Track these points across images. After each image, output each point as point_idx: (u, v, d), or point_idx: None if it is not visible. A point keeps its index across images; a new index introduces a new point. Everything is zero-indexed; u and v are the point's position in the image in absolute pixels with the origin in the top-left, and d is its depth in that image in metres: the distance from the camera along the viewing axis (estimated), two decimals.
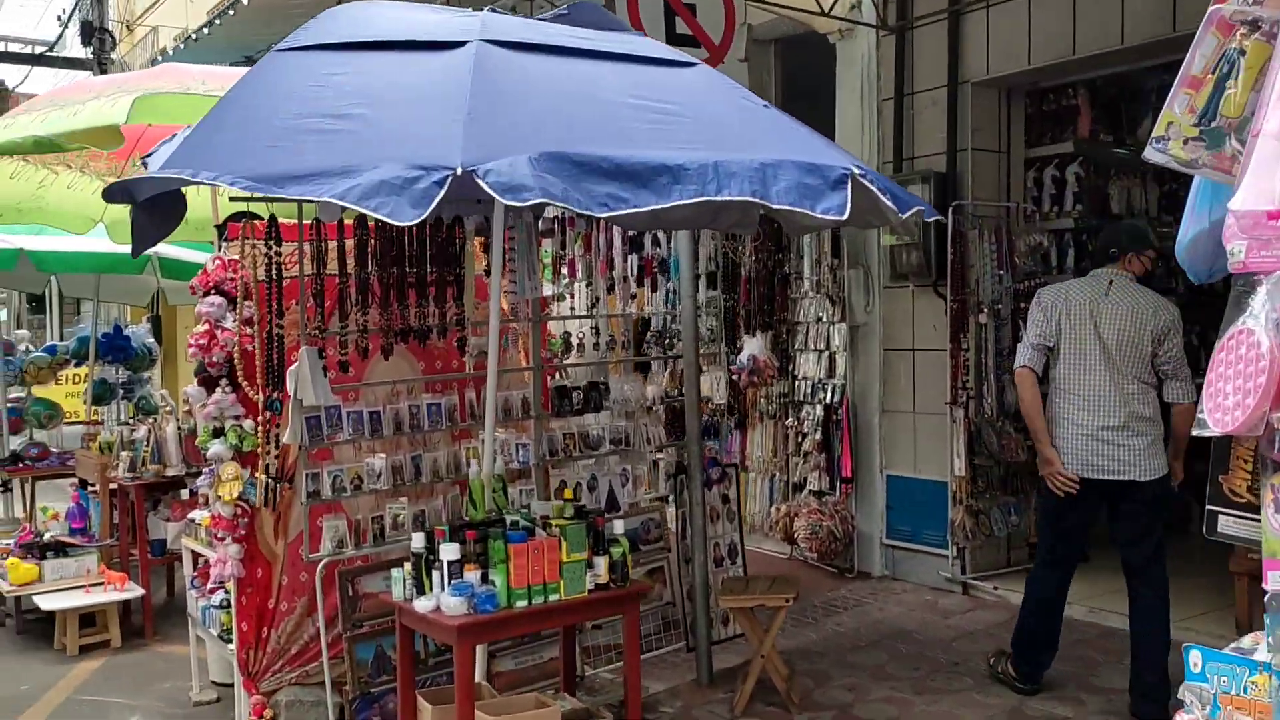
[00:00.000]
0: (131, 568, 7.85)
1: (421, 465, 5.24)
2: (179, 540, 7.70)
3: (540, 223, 5.60)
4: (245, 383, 5.21)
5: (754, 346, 6.31)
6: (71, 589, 7.41)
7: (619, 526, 4.08)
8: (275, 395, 4.84)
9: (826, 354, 8.05)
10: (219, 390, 5.29)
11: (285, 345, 4.90)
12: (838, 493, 7.90)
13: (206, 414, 5.31)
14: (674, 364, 6.21)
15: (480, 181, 2.96)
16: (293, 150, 3.14)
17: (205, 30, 10.46)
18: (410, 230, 5.12)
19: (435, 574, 3.82)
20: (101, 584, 7.48)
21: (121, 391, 10.72)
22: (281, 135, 3.20)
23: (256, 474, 5.40)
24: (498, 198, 2.98)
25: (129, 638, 7.38)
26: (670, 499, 6.13)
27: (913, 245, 7.28)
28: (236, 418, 5.38)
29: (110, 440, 8.10)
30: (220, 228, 5.48)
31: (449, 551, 3.77)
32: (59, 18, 18.90)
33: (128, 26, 17.48)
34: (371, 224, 5.02)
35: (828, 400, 7.95)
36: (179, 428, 7.80)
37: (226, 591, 5.69)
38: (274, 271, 4.79)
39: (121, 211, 7.61)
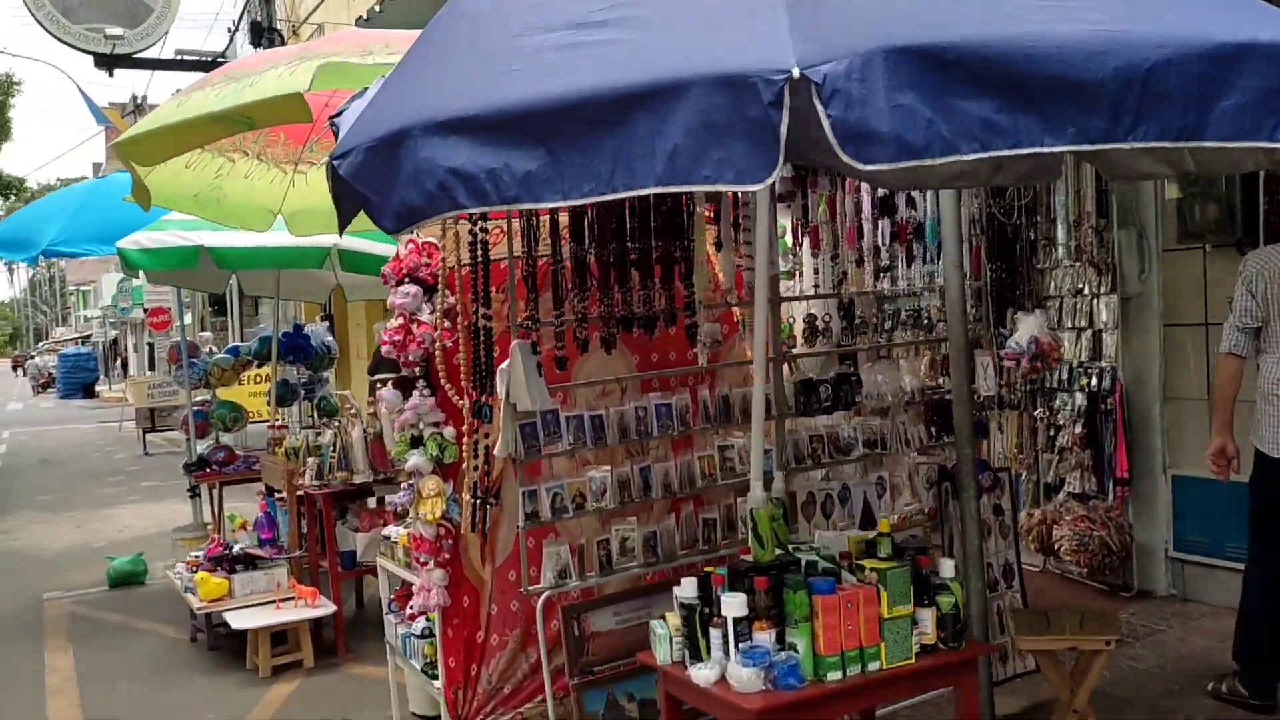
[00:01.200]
0: (321, 580, 7.36)
1: (651, 478, 4.41)
2: (369, 552, 7.18)
3: (778, 183, 4.67)
4: (447, 383, 4.48)
5: (1032, 325, 5.21)
6: (263, 604, 6.96)
7: (948, 568, 3.11)
8: (483, 399, 4.09)
9: (1089, 332, 6.84)
10: (416, 393, 4.59)
11: (493, 339, 4.13)
12: (1110, 496, 6.68)
13: (403, 421, 4.62)
14: (933, 351, 5.18)
15: (820, 109, 2.04)
16: (539, 74, 2.29)
17: (376, 8, 9.96)
18: (632, 198, 4.28)
19: (714, 632, 2.95)
20: (292, 599, 7.01)
21: (303, 392, 10.37)
22: (522, 55, 2.36)
23: (460, 491, 4.68)
24: (838, 148, 2.05)
25: (321, 656, 6.88)
26: (929, 511, 5.11)
27: (1208, 195, 6.01)
28: (436, 425, 4.67)
29: (296, 445, 7.63)
30: None
31: (733, 605, 2.89)
32: (229, 28, 19.15)
33: (293, 29, 17.45)
34: None
35: (1093, 386, 6.73)
36: (364, 432, 7.25)
37: (429, 620, 5.01)
38: (479, 253, 4.03)
39: (301, 201, 7.09)
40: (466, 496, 4.24)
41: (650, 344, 4.96)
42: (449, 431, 4.71)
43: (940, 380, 5.21)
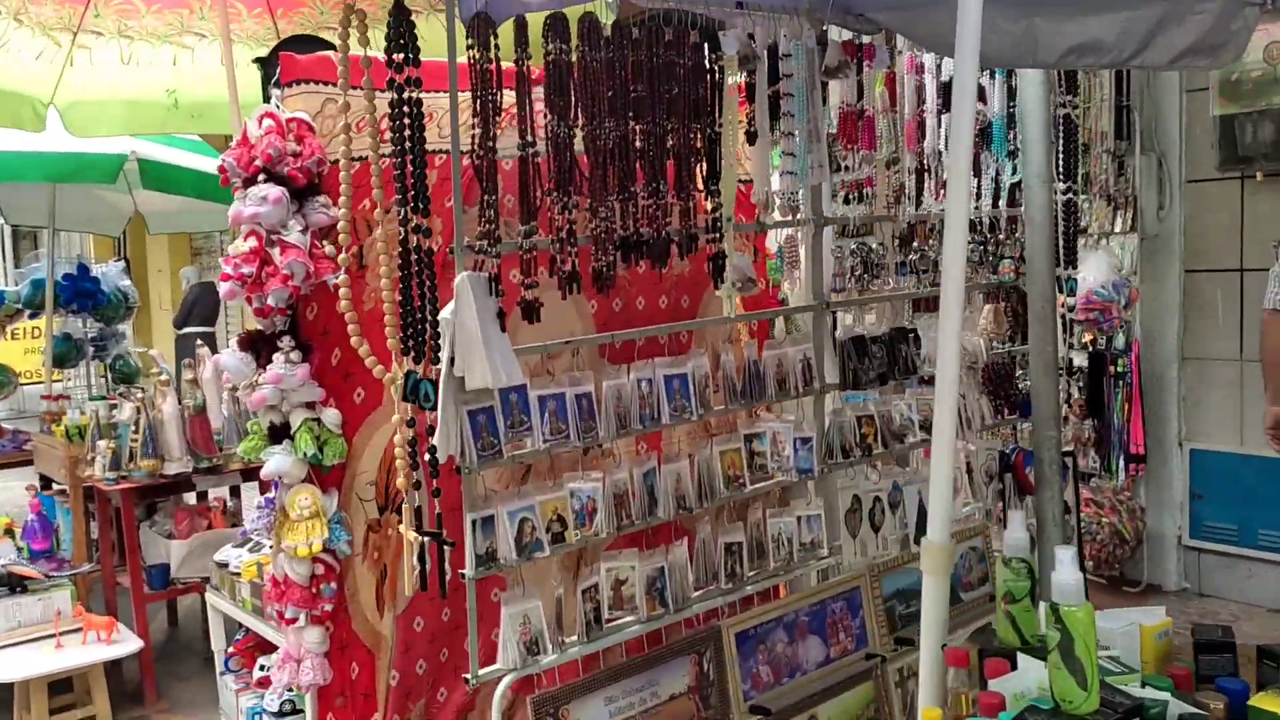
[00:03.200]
0: (120, 603, 5.50)
1: (658, 488, 2.88)
2: (188, 565, 5.37)
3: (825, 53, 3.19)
4: (359, 342, 2.82)
5: (1103, 265, 3.95)
6: (37, 641, 5.03)
7: None
8: (416, 374, 2.45)
9: None
10: (279, 358, 2.89)
11: (434, 269, 2.49)
12: (1119, 476, 5.60)
13: (258, 400, 2.92)
14: (1007, 298, 3.85)
15: None
16: None
17: None
18: (637, 53, 2.70)
19: None
20: (79, 632, 5.10)
21: (91, 350, 8.19)
22: None
23: (346, 506, 3.05)
24: None
25: (122, 707, 5.06)
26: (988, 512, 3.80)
27: (1264, 114, 4.91)
28: (310, 407, 3.00)
29: (82, 423, 5.67)
30: (265, 62, 3.03)
31: None
32: None
33: None
34: (578, 33, 2.60)
35: (1100, 345, 5.61)
36: (180, 404, 5.37)
37: (295, 696, 3.35)
38: (411, 129, 2.37)
39: (83, 88, 5.12)
40: (410, 534, 2.62)
41: (654, 282, 3.42)
42: (331, 417, 3.04)
43: (1006, 337, 3.88)
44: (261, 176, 2.89)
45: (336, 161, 3.07)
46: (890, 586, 3.49)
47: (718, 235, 2.95)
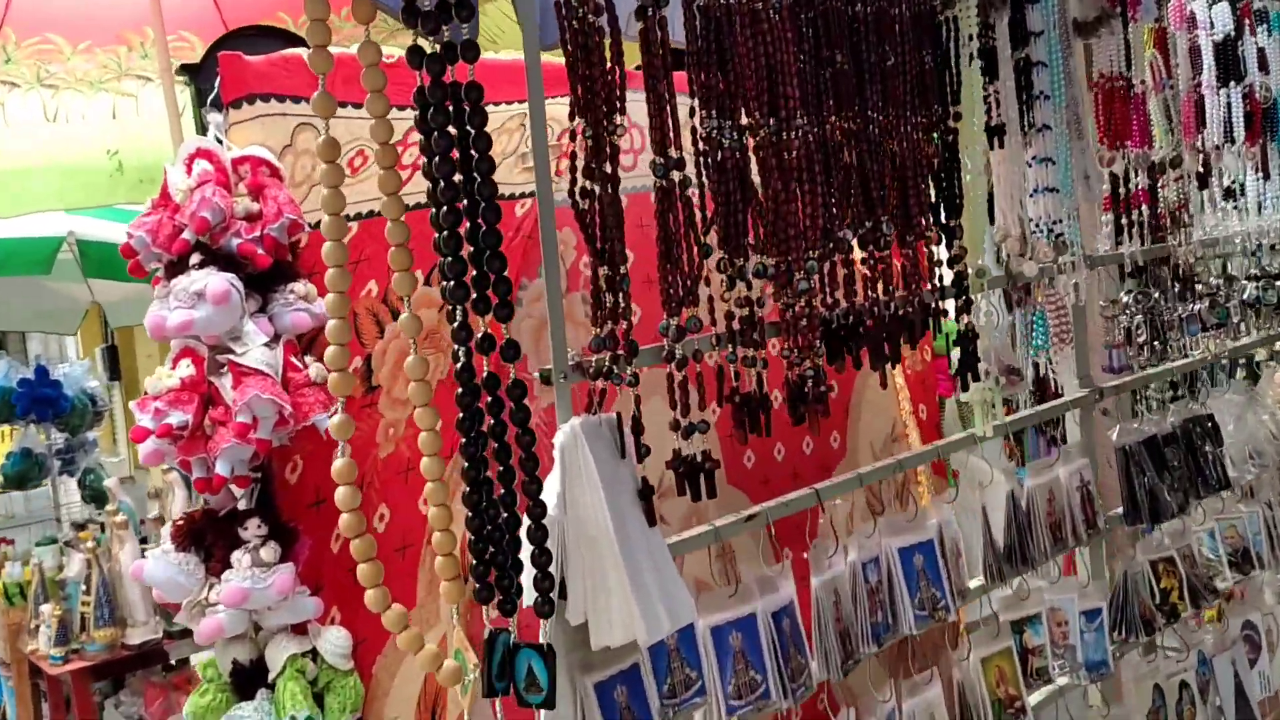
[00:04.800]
0: None
1: None
2: None
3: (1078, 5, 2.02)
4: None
5: None
6: None
7: None
8: (506, 635, 1.22)
9: None
10: (242, 558, 1.68)
11: None
12: None
13: (210, 631, 1.71)
14: None
15: None
16: None
17: None
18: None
19: None
20: None
21: (58, 464, 6.97)
22: None
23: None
24: None
25: None
26: None
27: None
28: (300, 629, 1.79)
29: (24, 579, 4.45)
30: (196, 71, 1.87)
31: None
32: None
33: None
34: None
35: None
36: (144, 551, 4.13)
37: None
38: (479, 167, 1.18)
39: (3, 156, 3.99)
40: None
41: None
42: (335, 642, 1.84)
43: None
44: (195, 257, 1.70)
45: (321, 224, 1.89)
46: None
47: (965, 300, 1.75)
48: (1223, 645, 2.35)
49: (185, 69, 2.00)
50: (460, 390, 1.16)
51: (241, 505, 1.81)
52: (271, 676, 1.80)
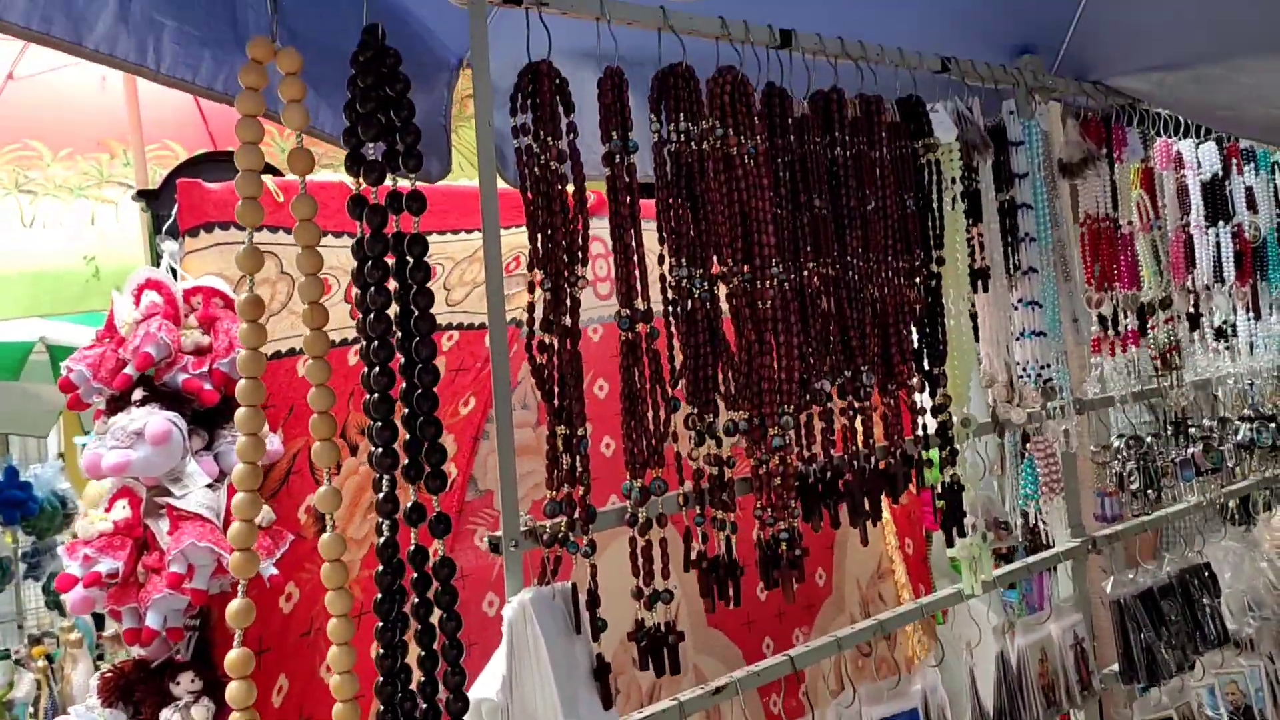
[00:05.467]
0: None
1: None
2: None
3: (1071, 137, 1.99)
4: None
5: None
6: None
7: None
8: None
9: None
10: (173, 718, 1.55)
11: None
12: None
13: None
14: None
15: None
16: None
17: None
18: (802, 140, 1.49)
19: None
20: None
21: (25, 567, 6.76)
22: None
23: None
24: None
25: None
26: None
27: None
28: None
29: None
30: (153, 197, 1.82)
31: None
32: None
33: None
34: (712, 104, 1.37)
35: None
36: (99, 670, 3.94)
37: None
38: (417, 300, 1.11)
39: None
40: None
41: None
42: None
43: None
44: (137, 394, 1.61)
45: (280, 355, 1.83)
46: None
47: (950, 451, 1.67)
48: None
49: (142, 194, 1.94)
50: (380, 569, 1.06)
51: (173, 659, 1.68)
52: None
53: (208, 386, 1.65)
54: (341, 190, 1.15)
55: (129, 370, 1.61)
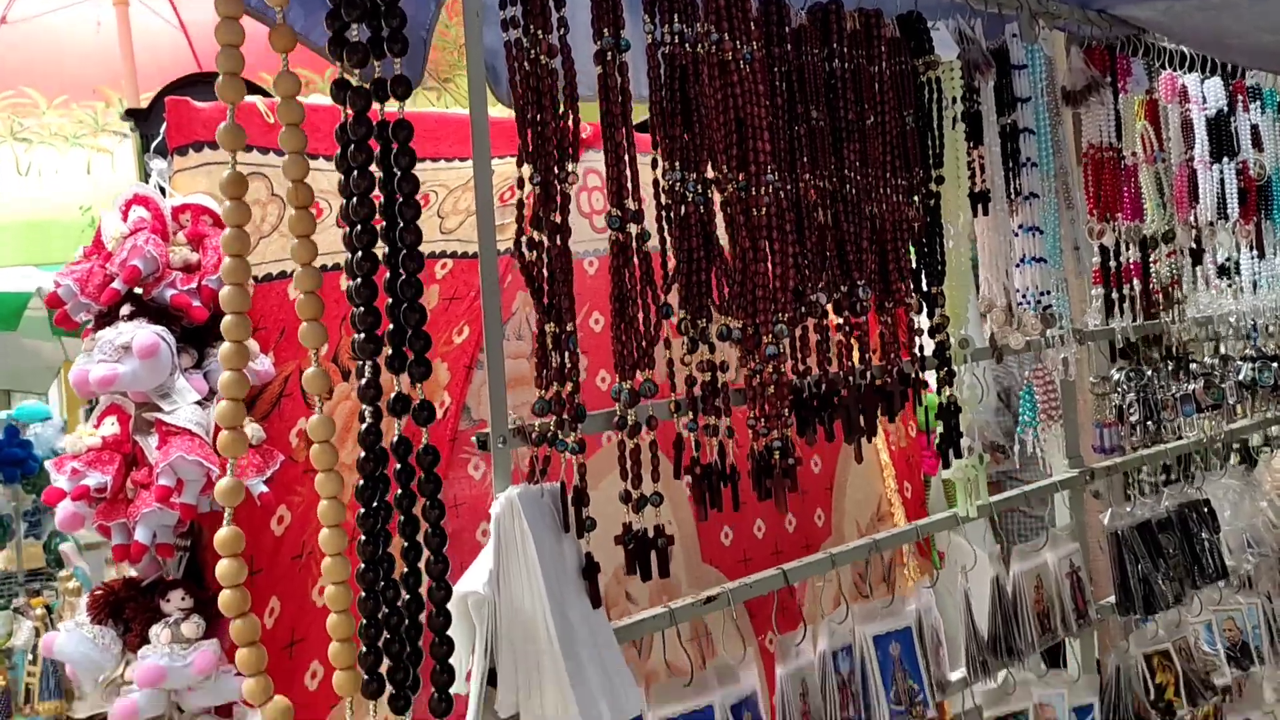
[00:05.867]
0: None
1: None
2: None
3: (1070, 74, 1.96)
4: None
5: None
6: None
7: None
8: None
9: None
10: (161, 633, 1.55)
11: None
12: None
13: (123, 715, 1.56)
14: None
15: None
16: None
17: None
18: (800, 53, 1.46)
19: None
20: None
21: (26, 525, 6.78)
22: None
23: None
24: None
25: None
26: None
27: None
28: (226, 714, 1.65)
29: None
30: (142, 116, 1.79)
31: None
32: None
33: None
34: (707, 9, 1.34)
35: None
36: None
37: None
38: (403, 215, 1.09)
39: None
40: None
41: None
42: None
43: None
44: (125, 309, 1.60)
45: (271, 277, 1.81)
46: None
47: (947, 372, 1.65)
48: None
49: (131, 113, 1.92)
50: (363, 455, 1.05)
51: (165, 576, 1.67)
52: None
53: (196, 303, 1.64)
54: (333, 114, 1.13)
55: (116, 285, 1.59)
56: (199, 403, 1.63)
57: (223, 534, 1.11)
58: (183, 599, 1.67)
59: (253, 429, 1.70)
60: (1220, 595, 2.28)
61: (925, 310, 1.67)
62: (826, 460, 2.70)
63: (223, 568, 1.11)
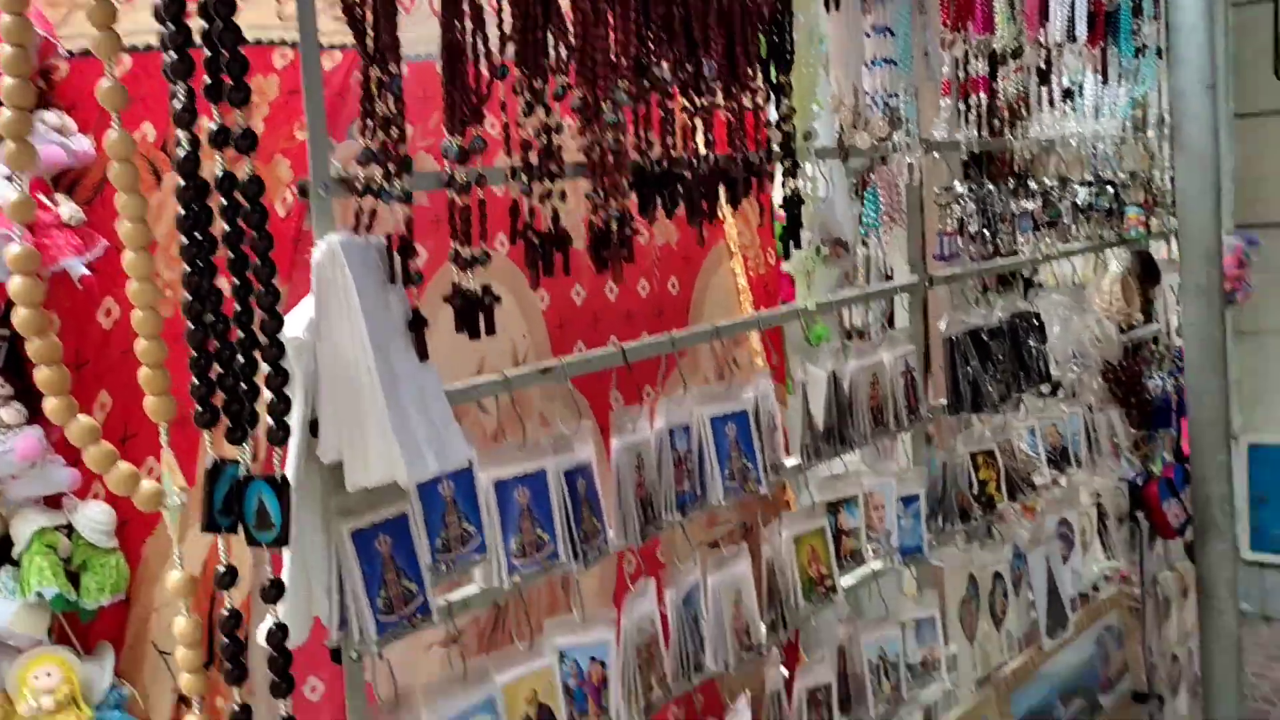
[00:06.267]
0: None
1: (702, 619, 1.59)
2: None
3: None
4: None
5: None
6: None
7: None
8: (235, 468, 1.07)
9: None
10: None
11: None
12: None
13: None
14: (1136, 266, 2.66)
15: None
16: None
17: None
18: None
19: None
20: None
21: None
22: None
23: (134, 672, 1.67)
24: None
25: None
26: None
27: None
28: (51, 502, 1.60)
29: None
30: None
31: None
32: None
33: None
34: None
35: None
36: None
37: None
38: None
39: None
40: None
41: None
42: (95, 516, 1.65)
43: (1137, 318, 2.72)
44: None
45: (89, 53, 1.68)
46: (1020, 706, 2.31)
47: (791, 164, 1.66)
48: (1038, 540, 2.38)
49: None
50: (182, 185, 1.00)
51: None
52: (15, 551, 1.61)
53: None
54: None
55: None
56: (6, 178, 1.52)
57: (25, 316, 1.05)
58: (3, 385, 1.60)
59: (70, 208, 1.61)
60: (1044, 404, 2.43)
61: (773, 100, 1.67)
62: (684, 283, 2.72)
63: (42, 376, 1.06)
